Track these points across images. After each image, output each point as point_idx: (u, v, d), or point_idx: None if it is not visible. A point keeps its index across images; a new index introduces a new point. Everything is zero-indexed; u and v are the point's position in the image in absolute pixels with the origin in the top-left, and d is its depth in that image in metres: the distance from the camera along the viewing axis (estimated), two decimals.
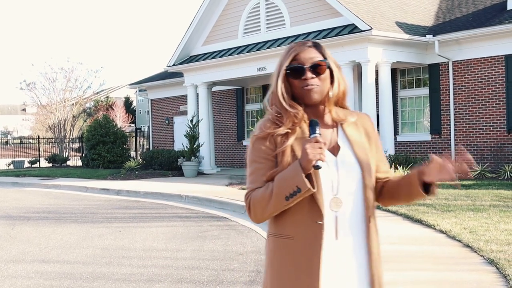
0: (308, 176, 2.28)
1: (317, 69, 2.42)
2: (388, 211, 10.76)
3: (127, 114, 70.74)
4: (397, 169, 16.00)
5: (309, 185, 2.26)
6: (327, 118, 2.51)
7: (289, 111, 2.42)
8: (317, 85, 2.42)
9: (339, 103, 2.53)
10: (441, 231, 8.67)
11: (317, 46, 2.49)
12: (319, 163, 2.23)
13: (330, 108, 2.50)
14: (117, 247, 9.19)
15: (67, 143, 38.73)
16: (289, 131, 2.42)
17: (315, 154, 2.23)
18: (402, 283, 6.13)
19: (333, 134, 2.49)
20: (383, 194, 2.57)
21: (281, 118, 2.43)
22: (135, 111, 78.99)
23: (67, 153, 38.03)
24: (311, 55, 2.44)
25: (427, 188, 2.42)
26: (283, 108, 2.43)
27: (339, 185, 2.39)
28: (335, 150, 2.44)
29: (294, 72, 2.42)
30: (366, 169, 2.43)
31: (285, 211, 2.37)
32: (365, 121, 2.57)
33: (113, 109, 67.33)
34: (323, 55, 2.47)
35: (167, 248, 9.04)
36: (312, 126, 2.34)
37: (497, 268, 6.37)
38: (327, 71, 2.46)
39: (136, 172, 23.28)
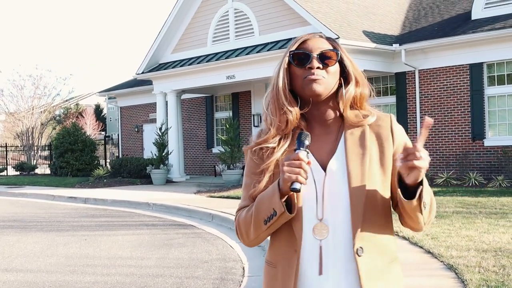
0: (290, 197, 1.97)
1: (325, 59, 2.07)
2: None
3: (98, 122, 70.26)
4: None
5: (284, 208, 1.93)
6: (334, 123, 2.12)
7: (285, 106, 2.07)
8: (322, 76, 2.05)
9: (357, 106, 2.14)
10: (404, 238, 8.79)
11: (330, 39, 2.16)
12: (297, 185, 1.88)
13: (344, 110, 2.11)
14: (81, 256, 9.15)
15: (35, 151, 38.33)
16: (275, 145, 2.09)
17: (292, 174, 1.88)
18: None
19: (332, 144, 2.10)
20: (399, 214, 2.09)
21: (274, 118, 2.11)
22: (105, 118, 78.52)
23: (35, 161, 37.62)
24: (321, 45, 2.10)
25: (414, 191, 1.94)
26: (279, 102, 2.08)
27: (325, 207, 2.01)
28: (327, 164, 2.06)
29: (298, 59, 2.08)
30: (356, 188, 2.00)
31: (272, 236, 2.10)
32: (381, 124, 2.12)
33: (83, 117, 66.83)
34: (335, 47, 2.12)
35: (132, 256, 9.02)
36: (299, 139, 1.97)
37: (456, 274, 6.49)
38: (337, 65, 2.11)
39: (105, 180, 23.13)
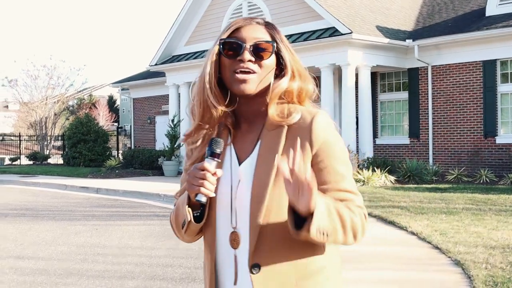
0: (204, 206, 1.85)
1: (259, 51, 1.84)
2: None
3: (111, 113, 70.65)
4: (375, 171, 16.19)
5: (190, 217, 1.82)
6: (260, 120, 1.91)
7: (208, 101, 1.86)
8: (253, 71, 1.82)
9: (299, 103, 1.91)
10: (413, 233, 8.83)
11: (268, 26, 1.92)
12: (200, 197, 1.76)
13: (270, 106, 1.86)
14: (92, 245, 9.26)
15: (48, 141, 38.59)
16: (197, 146, 1.92)
17: (194, 186, 1.75)
18: (367, 281, 6.28)
19: (253, 145, 1.89)
20: None
21: (196, 113, 1.91)
22: (118, 110, 78.84)
23: (48, 151, 37.90)
24: (256, 34, 1.86)
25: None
26: (203, 95, 1.86)
27: (238, 216, 1.84)
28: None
29: (229, 48, 1.84)
30: (256, 198, 1.80)
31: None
32: (302, 125, 1.84)
33: (96, 108, 67.19)
34: (273, 37, 1.88)
35: (142, 246, 9.12)
36: (209, 147, 1.80)
37: (463, 269, 6.54)
38: (273, 57, 1.87)
39: (117, 171, 23.29)
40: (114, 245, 9.23)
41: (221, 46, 1.86)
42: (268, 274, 1.79)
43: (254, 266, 1.79)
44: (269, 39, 1.86)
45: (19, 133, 40.07)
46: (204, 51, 22.00)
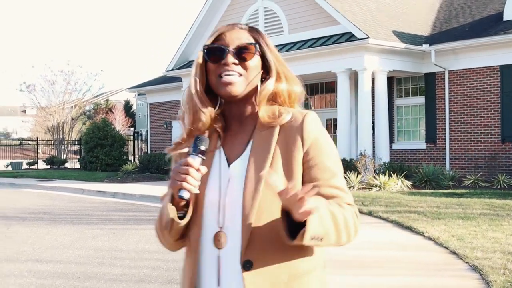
0: (188, 204, 1.85)
1: (242, 53, 1.88)
2: (379, 217, 10.91)
3: (127, 118, 70.95)
4: (391, 176, 16.14)
5: (171, 215, 1.82)
6: (250, 120, 1.94)
7: (198, 107, 1.90)
8: (238, 74, 1.87)
9: (286, 105, 1.95)
10: (430, 238, 8.80)
11: (252, 30, 1.95)
12: (182, 192, 1.75)
13: (260, 106, 1.91)
14: (110, 248, 9.31)
15: (65, 145, 38.85)
16: (187, 147, 1.90)
17: (177, 182, 1.75)
18: (385, 287, 6.26)
19: (243, 145, 1.92)
20: None
21: (187, 119, 1.95)
22: (134, 114, 79.14)
23: (65, 155, 38.16)
24: (238, 38, 1.90)
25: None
26: (192, 102, 1.91)
27: (226, 215, 1.85)
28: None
29: (213, 54, 1.89)
30: (249, 196, 1.82)
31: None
32: (293, 125, 1.89)
33: (113, 112, 67.55)
34: (256, 39, 1.92)
35: (159, 250, 9.14)
36: (194, 144, 1.82)
37: (481, 275, 6.51)
38: (257, 58, 1.91)
39: (133, 175, 23.40)
40: (131, 249, 9.28)
41: (205, 53, 1.90)
42: (260, 272, 1.79)
43: (246, 263, 1.79)
44: (252, 41, 1.91)
45: (37, 138, 40.37)
46: None
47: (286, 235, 1.72)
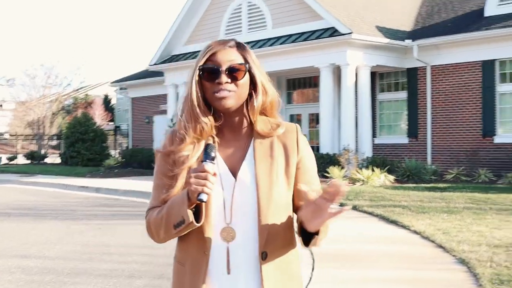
0: (198, 206, 2.04)
1: (234, 73, 2.12)
2: (364, 212, 11.01)
3: (106, 112, 70.52)
4: (374, 171, 16.26)
5: (191, 219, 2.01)
6: (245, 130, 2.20)
7: (200, 119, 2.13)
8: (232, 91, 2.10)
9: (268, 114, 2.22)
10: (416, 232, 8.91)
11: (240, 47, 2.19)
12: (203, 196, 1.96)
13: (254, 119, 2.18)
14: (97, 244, 9.31)
15: (45, 140, 38.57)
16: (189, 152, 2.13)
17: (198, 186, 1.95)
18: (371, 281, 6.35)
19: (243, 151, 2.18)
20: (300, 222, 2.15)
21: (189, 128, 2.15)
22: (114, 109, 78.74)
23: (45, 150, 37.89)
24: (230, 57, 2.13)
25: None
26: (194, 114, 2.13)
27: (233, 213, 2.10)
28: (236, 170, 2.14)
29: (208, 73, 2.12)
30: (264, 197, 2.09)
31: (180, 237, 2.15)
32: (288, 135, 2.20)
33: (92, 107, 67.11)
34: (245, 58, 2.17)
35: (147, 245, 9.13)
36: (206, 151, 2.04)
37: (468, 268, 6.61)
38: (247, 76, 2.15)
39: (115, 170, 23.33)
40: (119, 244, 9.28)
41: (200, 72, 2.13)
42: (272, 261, 2.11)
43: (263, 254, 2.09)
44: (241, 61, 2.15)
45: (16, 132, 40.03)
46: None
47: (302, 243, 2.11)
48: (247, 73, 2.15)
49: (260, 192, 2.09)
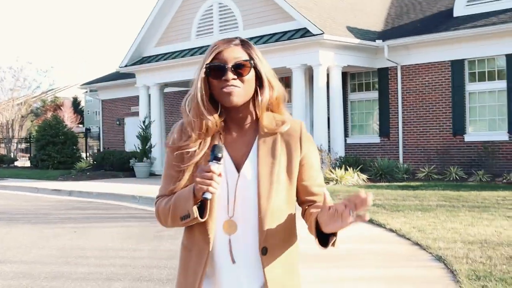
0: (203, 201, 2.13)
1: (240, 69, 2.19)
2: None
3: (75, 115, 69.88)
4: (347, 170, 16.38)
5: (196, 215, 2.12)
6: (251, 126, 2.28)
7: (205, 116, 2.20)
8: (238, 87, 2.17)
9: (274, 110, 2.29)
10: (391, 230, 9.00)
11: (244, 45, 2.26)
12: (207, 195, 2.06)
13: (260, 115, 2.26)
14: (73, 247, 9.23)
15: (15, 144, 38.08)
16: (196, 148, 2.22)
17: (203, 186, 2.05)
18: (350, 279, 6.41)
19: (247, 147, 2.26)
20: (306, 222, 2.30)
21: (195, 125, 2.23)
22: (83, 111, 78.04)
23: (14, 154, 37.39)
24: (235, 54, 2.20)
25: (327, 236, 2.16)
26: (199, 111, 2.21)
27: (236, 207, 2.20)
28: (241, 166, 2.23)
29: (215, 71, 2.19)
30: (264, 194, 2.19)
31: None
32: (291, 133, 2.27)
33: (61, 110, 66.46)
34: (249, 55, 2.23)
35: (123, 248, 9.12)
36: (212, 152, 2.11)
37: (445, 264, 6.71)
38: (252, 72, 2.22)
39: (88, 173, 23.14)
40: (95, 247, 9.21)
41: (207, 70, 2.21)
42: (273, 256, 2.21)
43: (264, 249, 2.19)
44: (246, 57, 2.22)
45: None
46: (174, 53, 21.99)
47: (319, 244, 2.20)
48: (253, 69, 2.22)
49: (261, 191, 2.19)
